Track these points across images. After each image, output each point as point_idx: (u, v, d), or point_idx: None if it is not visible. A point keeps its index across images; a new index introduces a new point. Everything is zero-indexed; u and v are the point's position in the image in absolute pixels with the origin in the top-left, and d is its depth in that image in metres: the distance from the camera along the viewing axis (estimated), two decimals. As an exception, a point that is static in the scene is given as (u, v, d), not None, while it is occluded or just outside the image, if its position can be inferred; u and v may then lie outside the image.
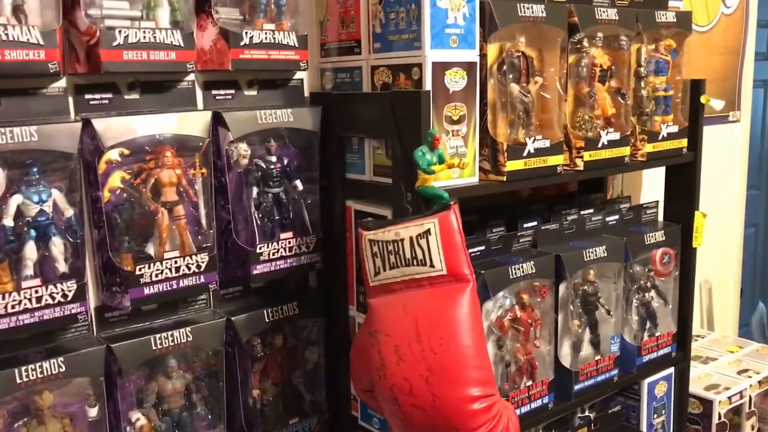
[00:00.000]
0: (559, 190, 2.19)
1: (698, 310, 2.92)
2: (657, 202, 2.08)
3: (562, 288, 1.76)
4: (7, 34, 1.19)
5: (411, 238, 1.32)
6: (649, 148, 1.86)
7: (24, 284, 1.26)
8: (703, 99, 1.97)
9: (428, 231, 1.31)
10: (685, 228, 2.06)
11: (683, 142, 1.96)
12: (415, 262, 1.32)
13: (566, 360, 1.80)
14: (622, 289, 1.92)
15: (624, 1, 1.82)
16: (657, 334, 2.02)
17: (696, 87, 1.99)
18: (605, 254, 1.82)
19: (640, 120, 1.87)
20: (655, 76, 1.90)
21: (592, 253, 1.79)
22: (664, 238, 1.99)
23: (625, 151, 1.79)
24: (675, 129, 1.92)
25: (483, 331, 1.34)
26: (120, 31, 1.31)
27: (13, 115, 1.30)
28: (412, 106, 1.38)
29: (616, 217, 1.97)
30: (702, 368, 2.43)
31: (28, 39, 1.21)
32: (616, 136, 1.75)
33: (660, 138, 1.88)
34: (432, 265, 1.31)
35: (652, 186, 2.42)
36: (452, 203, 1.32)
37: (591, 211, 1.99)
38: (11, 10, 1.24)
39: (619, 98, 1.80)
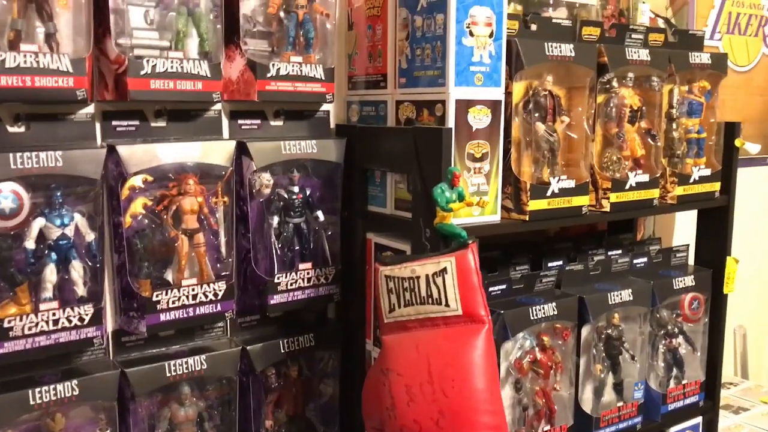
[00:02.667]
0: (587, 228, 2.15)
1: (731, 356, 2.83)
2: (687, 245, 2.03)
3: (584, 331, 1.72)
4: (38, 62, 1.22)
5: (427, 275, 1.30)
6: (679, 190, 1.82)
7: (42, 306, 1.28)
8: (737, 142, 1.93)
9: (445, 269, 1.29)
10: (716, 273, 2.00)
11: (716, 186, 1.92)
12: (430, 301, 1.30)
13: (587, 405, 1.75)
14: (648, 334, 1.87)
15: (657, 41, 1.80)
16: (684, 381, 1.96)
17: (730, 130, 1.94)
18: (631, 298, 1.77)
19: (671, 162, 1.83)
20: (687, 118, 1.86)
21: (617, 296, 1.75)
22: (693, 283, 1.94)
23: (654, 193, 1.75)
24: (708, 172, 1.88)
25: (497, 374, 1.32)
26: (148, 61, 1.33)
27: (41, 139, 1.33)
28: (433, 142, 1.37)
29: (645, 259, 1.93)
30: (733, 419, 2.34)
31: (58, 67, 1.24)
32: (645, 177, 1.72)
33: (691, 181, 1.84)
34: (447, 305, 1.29)
35: (685, 228, 2.36)
36: (470, 242, 1.30)
37: (619, 252, 1.95)
38: (44, 38, 1.27)
39: (649, 139, 1.77)
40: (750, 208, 2.56)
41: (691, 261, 2.08)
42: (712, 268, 2.01)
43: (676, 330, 1.94)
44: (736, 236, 2.03)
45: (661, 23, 2.24)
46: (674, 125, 1.83)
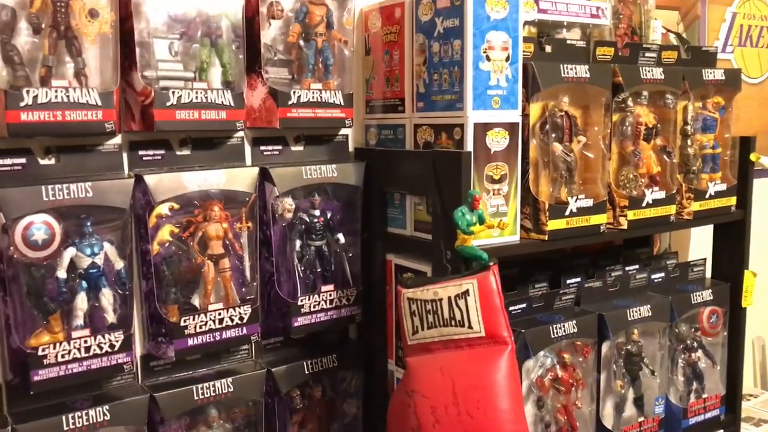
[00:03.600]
0: (604, 243, 2.16)
1: (750, 368, 2.82)
2: (704, 259, 2.04)
3: (604, 347, 1.74)
4: (68, 96, 1.26)
5: (449, 298, 1.33)
6: (695, 206, 1.84)
7: (74, 334, 1.31)
8: (752, 157, 1.94)
9: (467, 292, 1.31)
10: (734, 287, 2.01)
11: (732, 200, 1.93)
12: (453, 323, 1.32)
13: (608, 421, 1.76)
14: (667, 349, 1.88)
15: (670, 58, 1.82)
16: (704, 395, 1.97)
17: (745, 144, 1.96)
18: (650, 313, 1.78)
19: (687, 178, 1.85)
20: (702, 134, 1.88)
21: (636, 312, 1.76)
22: (711, 297, 1.95)
23: (671, 209, 1.77)
24: (723, 187, 1.90)
25: (521, 394, 1.34)
26: (173, 92, 1.37)
27: (70, 170, 1.37)
28: (452, 165, 1.40)
29: (662, 274, 1.94)
30: (754, 431, 2.34)
31: (87, 100, 1.28)
32: (661, 194, 1.74)
33: (707, 196, 1.86)
34: (470, 327, 1.31)
35: (701, 241, 2.37)
36: (491, 264, 1.32)
37: (636, 267, 1.97)
38: (73, 73, 1.31)
39: (665, 156, 1.79)
40: (766, 220, 2.56)
41: (708, 275, 2.09)
42: (729, 282, 2.02)
43: (695, 344, 1.95)
44: (752, 249, 2.04)
45: (673, 38, 2.26)
46: (689, 141, 1.85)
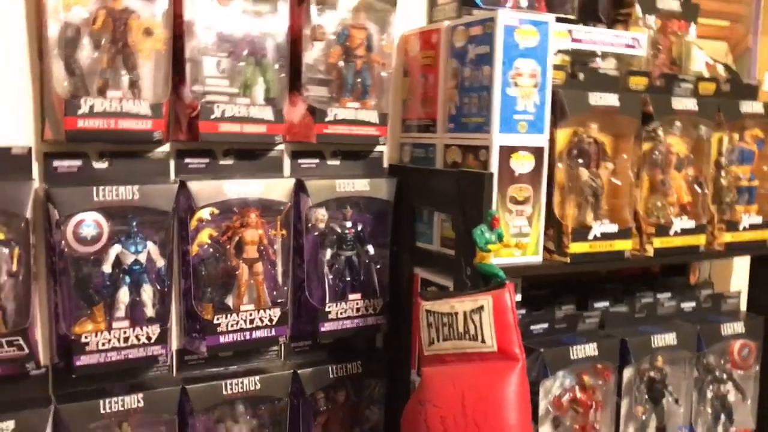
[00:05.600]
0: (640, 269, 2.17)
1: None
2: (739, 292, 2.03)
3: (626, 372, 1.75)
4: (121, 106, 1.38)
5: (465, 312, 1.38)
6: (727, 237, 1.84)
7: (115, 325, 1.42)
8: (791, 191, 1.93)
9: (482, 307, 1.36)
10: (769, 321, 1.99)
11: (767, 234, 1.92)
12: (467, 336, 1.38)
13: (629, 446, 1.78)
14: (694, 379, 1.88)
15: (708, 90, 1.83)
16: (732, 429, 1.95)
17: (785, 178, 1.95)
18: (675, 342, 1.79)
19: (720, 209, 1.85)
20: (738, 165, 1.88)
21: (660, 339, 1.77)
22: (743, 330, 1.93)
23: (700, 239, 1.77)
24: (759, 220, 1.89)
25: (530, 411, 1.37)
26: (218, 106, 1.47)
27: (121, 174, 1.48)
28: (476, 186, 1.46)
29: (693, 303, 1.94)
30: (788, 470, 2.29)
31: (139, 111, 1.39)
32: (691, 224, 1.75)
33: (741, 228, 1.85)
34: (483, 341, 1.36)
35: (741, 273, 2.34)
36: (507, 282, 1.37)
37: (668, 295, 1.97)
38: (128, 85, 1.43)
39: (696, 186, 1.80)
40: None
41: (743, 307, 2.07)
42: (764, 316, 2.00)
43: (725, 376, 1.94)
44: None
45: (720, 69, 2.26)
46: (723, 173, 1.85)
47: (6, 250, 1.35)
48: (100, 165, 1.47)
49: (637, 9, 1.84)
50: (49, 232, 1.40)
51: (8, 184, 1.34)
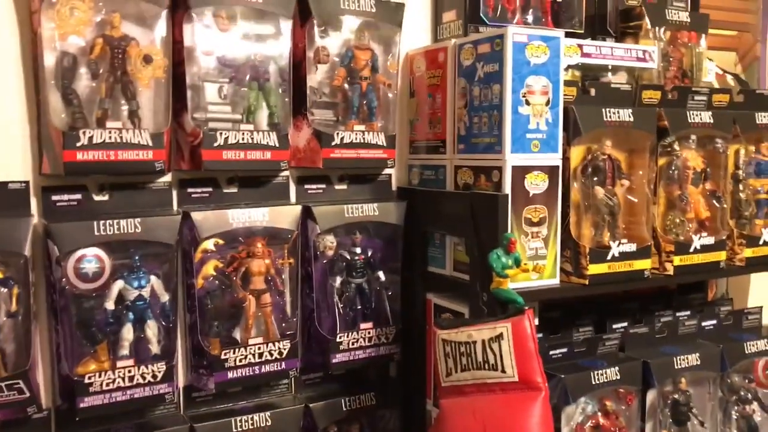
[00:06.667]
0: (656, 288, 2.11)
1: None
2: (761, 307, 1.97)
3: (650, 395, 1.69)
4: (121, 137, 1.33)
5: (483, 341, 1.32)
6: (748, 252, 1.78)
7: (119, 363, 1.37)
8: (811, 202, 1.88)
9: (501, 335, 1.31)
10: (792, 337, 1.93)
11: (788, 247, 1.86)
12: (486, 366, 1.32)
13: (655, 472, 1.71)
14: (718, 400, 1.81)
15: (722, 101, 1.78)
16: (759, 450, 1.88)
17: (804, 190, 1.89)
18: (698, 362, 1.73)
19: (739, 223, 1.80)
20: (756, 178, 1.83)
21: (683, 360, 1.71)
22: (767, 347, 1.87)
23: (720, 255, 1.72)
24: (779, 233, 1.84)
25: (554, 441, 1.31)
26: (221, 133, 1.43)
27: (123, 206, 1.44)
28: (489, 208, 1.41)
29: (714, 321, 1.88)
30: (817, 490, 2.22)
31: (139, 141, 1.35)
32: (710, 240, 1.70)
33: (761, 243, 1.80)
34: (503, 371, 1.30)
35: (760, 287, 2.29)
36: (526, 308, 1.32)
37: (687, 313, 1.91)
38: (128, 115, 1.38)
39: (714, 201, 1.75)
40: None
41: (765, 323, 2.01)
42: (788, 332, 1.94)
43: (750, 396, 1.87)
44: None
45: (730, 79, 2.22)
46: (741, 186, 1.80)
47: (5, 290, 1.30)
48: (101, 197, 1.42)
49: (647, 21, 1.80)
50: (49, 269, 1.35)
51: (6, 220, 1.29)
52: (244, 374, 1.49)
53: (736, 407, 1.87)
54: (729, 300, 2.13)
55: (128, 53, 1.36)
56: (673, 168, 1.69)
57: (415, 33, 1.76)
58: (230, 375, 1.48)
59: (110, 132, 1.32)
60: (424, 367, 1.69)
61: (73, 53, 1.33)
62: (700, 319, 1.87)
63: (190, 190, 1.52)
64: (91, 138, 1.30)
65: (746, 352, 1.84)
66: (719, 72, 2.23)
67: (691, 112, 1.69)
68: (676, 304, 1.98)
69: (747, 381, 1.87)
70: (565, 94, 1.51)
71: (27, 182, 1.36)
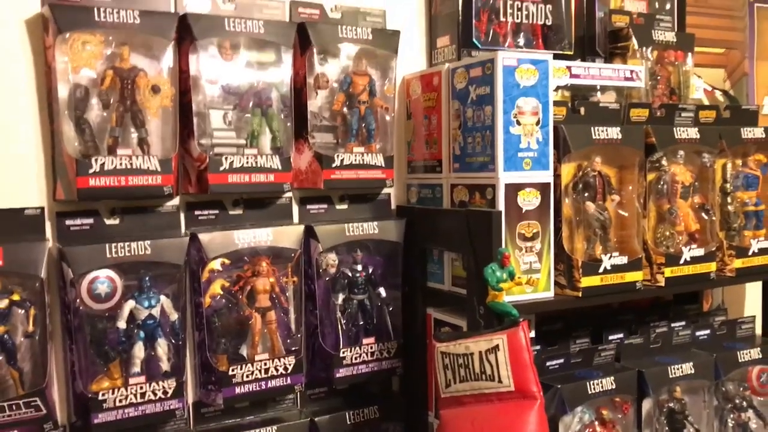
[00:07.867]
0: (652, 300, 2.16)
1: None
2: (753, 317, 2.02)
3: (645, 404, 1.73)
4: (131, 163, 1.40)
5: (480, 352, 1.38)
6: (738, 263, 1.84)
7: (131, 380, 1.42)
8: (798, 213, 1.93)
9: (497, 347, 1.36)
10: (785, 345, 1.98)
11: (777, 257, 1.92)
12: (483, 377, 1.37)
13: (652, 480, 1.75)
14: (713, 408, 1.86)
15: (709, 117, 1.85)
16: (756, 457, 1.92)
17: (791, 201, 1.95)
18: (692, 371, 1.78)
19: (728, 235, 1.86)
20: (744, 191, 1.89)
21: (678, 369, 1.76)
22: (760, 356, 1.92)
23: (711, 266, 1.77)
24: (767, 244, 1.89)
25: (551, 448, 1.36)
26: (226, 158, 1.50)
27: (133, 229, 1.50)
28: (484, 224, 1.47)
29: (708, 331, 1.93)
30: (816, 496, 2.25)
31: (148, 167, 1.42)
32: (700, 252, 1.75)
33: (750, 253, 1.85)
34: (500, 381, 1.35)
35: (755, 297, 2.33)
36: (521, 320, 1.37)
37: (682, 324, 1.96)
38: (137, 142, 1.45)
39: (703, 214, 1.80)
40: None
41: (759, 332, 2.06)
42: (781, 340, 1.99)
43: (745, 403, 1.92)
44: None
45: (719, 96, 2.29)
46: (729, 199, 1.86)
47: (22, 311, 1.36)
48: (112, 221, 1.49)
49: (634, 42, 1.86)
50: (64, 291, 1.41)
51: (22, 245, 1.36)
52: (251, 389, 1.55)
53: (731, 415, 1.91)
54: (724, 310, 2.17)
55: (137, 84, 1.43)
56: (662, 182, 1.75)
57: (412, 58, 1.83)
58: (238, 390, 1.53)
59: (121, 159, 1.39)
60: (425, 380, 1.74)
61: (85, 85, 1.40)
62: (694, 329, 1.91)
63: (197, 212, 1.59)
64: (102, 165, 1.37)
65: (740, 360, 1.88)
66: (708, 88, 2.30)
67: (678, 128, 1.75)
68: (671, 316, 2.03)
69: (742, 389, 1.91)
70: (555, 114, 1.57)
71: (42, 208, 1.43)
